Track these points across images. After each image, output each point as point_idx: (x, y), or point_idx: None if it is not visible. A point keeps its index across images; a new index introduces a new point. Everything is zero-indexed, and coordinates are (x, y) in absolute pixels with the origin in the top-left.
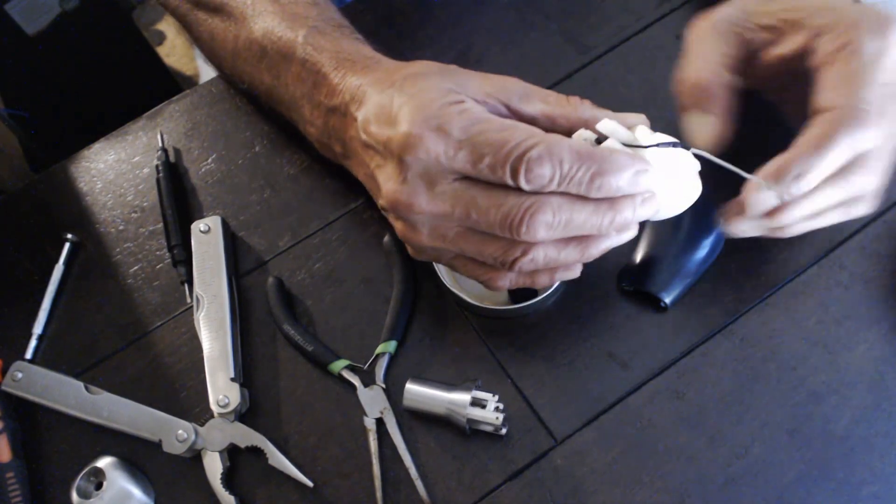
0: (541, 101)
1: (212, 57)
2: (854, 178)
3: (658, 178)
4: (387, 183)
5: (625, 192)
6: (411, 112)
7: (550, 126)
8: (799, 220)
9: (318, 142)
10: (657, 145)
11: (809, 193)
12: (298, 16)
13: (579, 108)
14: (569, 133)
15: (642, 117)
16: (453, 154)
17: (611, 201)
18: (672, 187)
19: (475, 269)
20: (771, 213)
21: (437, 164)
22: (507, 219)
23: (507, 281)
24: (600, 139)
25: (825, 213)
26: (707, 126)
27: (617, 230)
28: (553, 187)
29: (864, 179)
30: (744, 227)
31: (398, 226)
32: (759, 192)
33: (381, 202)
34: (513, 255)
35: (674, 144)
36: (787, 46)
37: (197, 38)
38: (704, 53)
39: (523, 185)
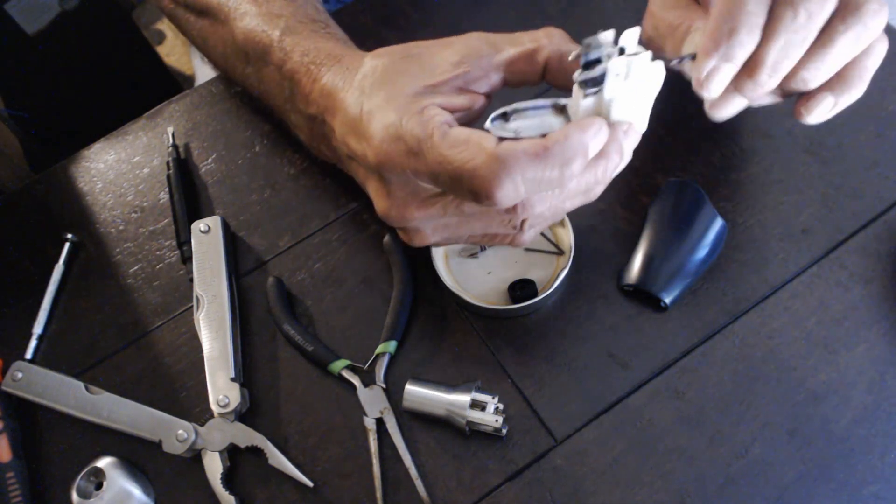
0: (510, 44)
1: (207, 58)
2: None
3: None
4: (376, 198)
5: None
6: (378, 129)
7: (527, 68)
8: (776, 70)
9: (310, 146)
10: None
11: (771, 42)
12: (273, 15)
13: (554, 38)
14: (552, 61)
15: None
16: (421, 171)
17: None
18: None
19: (492, 239)
20: (738, 79)
21: (413, 177)
22: (502, 217)
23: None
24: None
25: (823, 50)
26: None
27: (612, 172)
28: (524, 196)
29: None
30: (723, 107)
31: (400, 234)
32: (705, 63)
33: (378, 213)
34: (520, 218)
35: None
36: None
37: (191, 40)
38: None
39: (495, 208)
